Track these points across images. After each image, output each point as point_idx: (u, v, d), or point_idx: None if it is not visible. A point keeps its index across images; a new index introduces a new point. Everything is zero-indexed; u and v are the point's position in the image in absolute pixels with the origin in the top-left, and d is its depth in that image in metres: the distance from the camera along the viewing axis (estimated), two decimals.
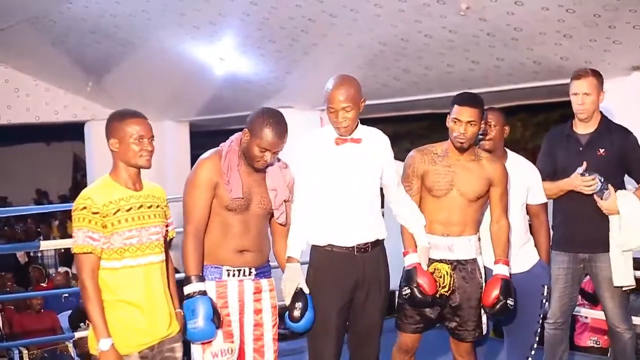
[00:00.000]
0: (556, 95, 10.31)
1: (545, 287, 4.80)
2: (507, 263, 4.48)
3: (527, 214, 4.88)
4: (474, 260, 4.50)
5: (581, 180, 4.76)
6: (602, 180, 4.71)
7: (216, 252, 3.96)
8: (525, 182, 4.77)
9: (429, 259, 4.43)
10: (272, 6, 9.28)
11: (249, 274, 4.01)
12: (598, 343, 7.32)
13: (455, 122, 4.35)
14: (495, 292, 4.37)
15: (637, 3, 6.86)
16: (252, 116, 3.98)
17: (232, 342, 3.96)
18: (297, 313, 4.03)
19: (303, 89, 11.48)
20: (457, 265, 4.46)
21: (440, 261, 4.44)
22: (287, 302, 4.08)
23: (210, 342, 3.88)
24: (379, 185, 4.29)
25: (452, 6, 7.90)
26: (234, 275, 3.98)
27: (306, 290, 4.07)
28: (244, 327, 4.02)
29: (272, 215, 4.10)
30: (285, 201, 4.09)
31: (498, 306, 4.37)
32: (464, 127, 4.33)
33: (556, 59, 8.46)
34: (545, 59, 8.59)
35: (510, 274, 4.47)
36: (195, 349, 3.93)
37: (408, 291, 4.27)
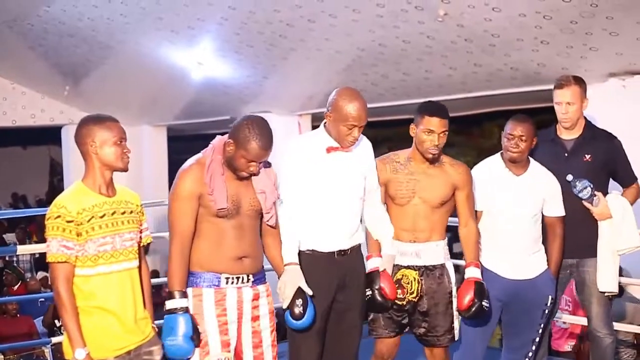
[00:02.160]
0: (533, 101, 10.38)
1: (550, 297, 4.74)
2: (477, 266, 4.50)
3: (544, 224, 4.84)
4: (442, 266, 4.52)
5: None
6: (592, 187, 4.73)
7: (214, 260, 3.89)
8: (542, 193, 4.73)
9: (397, 265, 4.45)
10: (251, 11, 9.28)
11: (247, 281, 3.96)
12: (575, 348, 7.36)
13: (428, 132, 4.36)
14: (470, 296, 4.38)
15: (613, 10, 6.91)
16: (236, 126, 3.89)
17: (229, 351, 3.92)
18: (298, 310, 3.99)
19: (281, 94, 11.49)
20: (424, 271, 4.47)
21: (408, 267, 4.45)
22: (286, 303, 4.03)
23: (208, 352, 3.84)
24: (364, 192, 4.31)
25: (429, 12, 7.93)
26: (232, 283, 3.92)
27: (308, 292, 4.03)
28: (242, 335, 3.97)
29: (262, 216, 4.06)
30: (274, 202, 4.06)
31: (473, 309, 4.39)
32: (437, 138, 4.36)
33: (533, 65, 8.50)
34: (522, 65, 8.63)
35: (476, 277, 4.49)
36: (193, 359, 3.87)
37: (369, 293, 4.26)
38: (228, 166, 3.90)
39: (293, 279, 4.05)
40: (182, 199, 3.85)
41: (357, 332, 4.35)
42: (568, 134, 4.93)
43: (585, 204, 4.77)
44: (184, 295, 3.83)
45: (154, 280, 3.99)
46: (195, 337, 3.80)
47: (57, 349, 8.19)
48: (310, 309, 4.01)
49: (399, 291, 4.37)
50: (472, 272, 4.47)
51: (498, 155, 4.78)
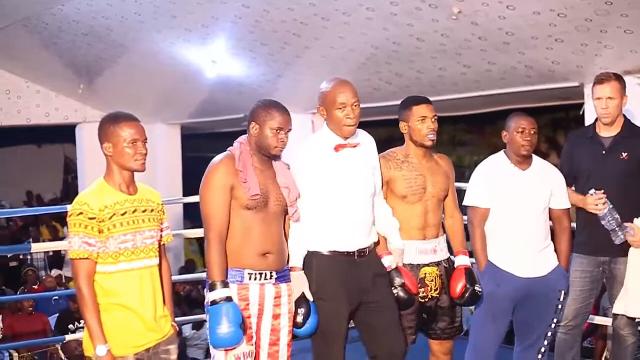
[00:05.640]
0: (547, 99, 10.35)
1: (562, 292, 4.78)
2: (466, 253, 4.60)
3: (550, 218, 4.87)
4: (449, 259, 4.64)
5: (591, 200, 4.80)
6: (614, 214, 4.73)
7: (239, 256, 3.92)
8: (548, 186, 4.77)
9: (418, 264, 4.47)
10: (264, 9, 9.28)
11: (270, 278, 3.98)
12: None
13: (422, 121, 4.48)
14: (462, 282, 4.49)
15: (628, 7, 6.88)
16: (252, 110, 4.06)
17: (252, 344, 3.94)
18: (299, 319, 4.03)
19: (295, 92, 11.47)
20: (443, 265, 4.56)
21: (429, 265, 4.51)
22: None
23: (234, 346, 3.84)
24: (374, 187, 4.31)
25: (443, 10, 7.91)
26: (255, 279, 3.94)
27: (310, 298, 4.06)
28: (261, 331, 3.99)
29: (286, 213, 4.10)
30: (296, 199, 4.10)
31: (467, 294, 4.50)
32: (432, 123, 4.49)
33: (547, 63, 8.47)
34: (536, 63, 8.61)
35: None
36: (218, 352, 3.87)
37: (395, 292, 4.27)
38: (259, 151, 3.99)
39: (297, 286, 4.08)
40: (216, 189, 3.89)
41: (399, 327, 4.29)
42: (607, 131, 4.92)
43: (612, 236, 4.78)
44: (226, 284, 3.84)
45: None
46: (243, 324, 3.81)
47: (66, 348, 8.22)
48: (312, 317, 4.05)
49: (422, 289, 4.41)
50: (463, 260, 4.58)
51: (501, 152, 4.81)
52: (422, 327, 4.60)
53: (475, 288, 4.50)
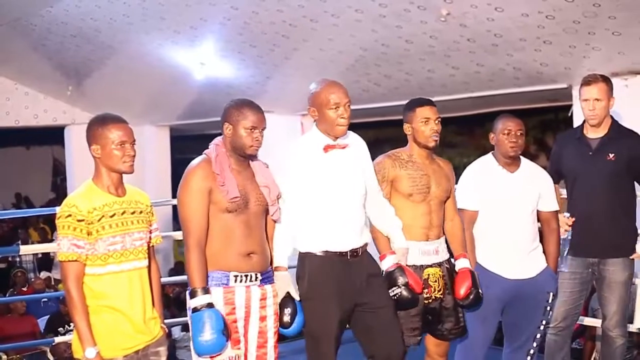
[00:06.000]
0: (536, 101, 10.37)
1: (551, 294, 4.79)
2: (466, 256, 4.60)
3: (538, 220, 4.89)
4: (449, 260, 4.62)
5: (560, 220, 4.88)
6: (566, 245, 4.87)
7: (222, 258, 3.89)
8: (537, 189, 4.79)
9: (421, 265, 4.47)
10: (253, 11, 9.28)
11: (255, 280, 3.95)
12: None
13: (425, 122, 4.48)
14: (467, 284, 4.49)
15: (616, 10, 6.91)
16: (224, 110, 4.02)
17: (239, 348, 3.92)
18: (287, 319, 4.01)
19: (284, 93, 11.48)
20: (445, 266, 4.55)
21: (432, 266, 4.50)
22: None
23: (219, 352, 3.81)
24: (365, 187, 4.30)
25: (432, 12, 7.92)
26: (241, 281, 3.91)
27: (296, 297, 4.05)
28: (248, 334, 3.97)
29: (267, 213, 4.07)
30: (277, 197, 4.08)
31: (472, 296, 4.49)
32: (436, 124, 4.49)
33: (536, 65, 8.50)
34: (525, 65, 8.63)
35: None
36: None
37: (397, 292, 4.23)
38: (235, 151, 3.95)
39: (282, 286, 4.06)
40: (194, 193, 3.86)
41: (398, 327, 4.28)
42: (594, 133, 4.94)
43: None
44: (207, 291, 3.80)
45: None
46: (226, 330, 3.77)
47: (55, 350, 8.20)
48: (298, 316, 4.03)
49: (426, 291, 4.41)
50: (464, 263, 4.58)
51: (490, 155, 4.83)
52: (427, 329, 4.60)
53: (479, 290, 4.52)
